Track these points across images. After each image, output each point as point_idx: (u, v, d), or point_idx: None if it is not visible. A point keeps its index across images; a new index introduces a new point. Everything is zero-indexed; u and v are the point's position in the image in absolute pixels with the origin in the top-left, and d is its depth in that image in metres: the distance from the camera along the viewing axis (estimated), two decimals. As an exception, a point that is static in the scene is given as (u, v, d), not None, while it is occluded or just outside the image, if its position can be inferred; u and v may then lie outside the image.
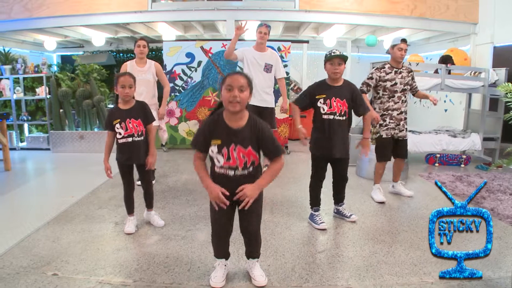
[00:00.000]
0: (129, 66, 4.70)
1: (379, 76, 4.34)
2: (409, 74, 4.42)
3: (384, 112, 4.37)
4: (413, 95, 4.64)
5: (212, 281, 2.60)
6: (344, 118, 3.46)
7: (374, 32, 9.07)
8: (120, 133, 3.29)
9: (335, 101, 3.41)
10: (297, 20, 7.75)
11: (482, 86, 6.40)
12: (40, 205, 4.33)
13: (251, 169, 2.39)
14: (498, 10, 7.09)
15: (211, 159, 2.40)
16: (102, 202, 4.32)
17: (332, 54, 3.38)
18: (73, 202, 4.32)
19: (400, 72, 4.35)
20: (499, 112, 6.67)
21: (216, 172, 2.39)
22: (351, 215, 3.82)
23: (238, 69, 6.04)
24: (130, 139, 3.32)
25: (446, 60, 6.60)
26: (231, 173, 2.35)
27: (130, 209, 3.53)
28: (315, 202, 3.71)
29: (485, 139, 6.59)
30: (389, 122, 4.36)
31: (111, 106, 10.60)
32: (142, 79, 4.67)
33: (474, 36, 7.67)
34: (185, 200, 4.41)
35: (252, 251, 2.66)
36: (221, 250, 2.65)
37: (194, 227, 3.59)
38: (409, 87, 4.45)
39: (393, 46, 4.32)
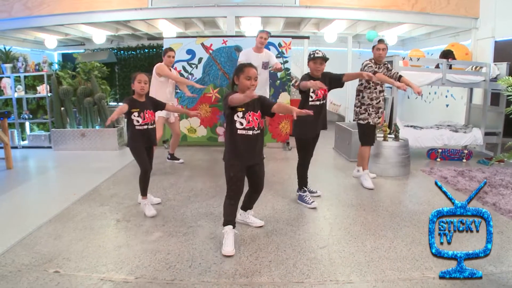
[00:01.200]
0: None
1: (374, 67, 4.72)
2: (383, 66, 4.85)
3: (370, 102, 4.82)
4: (398, 81, 4.84)
5: (224, 249, 2.99)
6: (325, 101, 4.10)
7: (375, 28, 9.04)
8: (138, 121, 3.79)
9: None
10: (297, 16, 7.74)
11: (484, 80, 6.38)
12: (42, 203, 4.35)
13: (260, 129, 3.15)
14: (499, 4, 7.05)
15: (232, 123, 3.05)
16: (103, 200, 4.32)
17: (316, 55, 3.93)
18: (75, 199, 4.33)
19: (380, 67, 4.81)
20: (500, 107, 6.65)
21: (238, 134, 3.05)
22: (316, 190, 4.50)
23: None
24: (145, 127, 3.84)
25: (447, 55, 6.58)
26: (251, 132, 3.05)
27: (146, 190, 3.93)
28: (304, 181, 4.23)
29: (486, 133, 6.57)
30: (372, 111, 4.83)
31: (113, 103, 10.68)
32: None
33: (475, 31, 7.64)
34: (187, 196, 4.41)
35: (254, 202, 3.49)
36: (233, 215, 3.15)
37: (196, 224, 3.59)
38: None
39: (373, 47, 4.80)
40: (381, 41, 4.78)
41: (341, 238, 3.32)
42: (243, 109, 3.03)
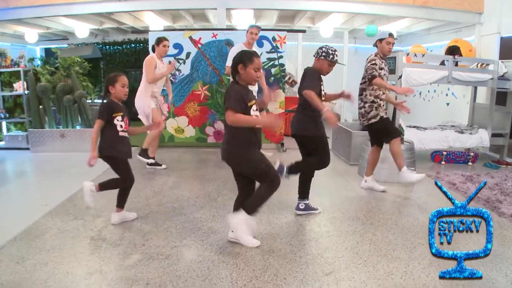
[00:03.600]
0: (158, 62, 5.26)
1: (378, 64, 4.36)
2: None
3: (375, 99, 4.41)
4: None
5: (252, 242, 3.02)
6: None
7: (373, 22, 8.63)
8: (121, 126, 3.39)
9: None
10: (293, 8, 7.32)
11: (491, 79, 6.00)
12: (9, 215, 3.88)
13: None
14: (506, -1, 6.67)
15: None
16: (78, 212, 3.83)
17: (336, 58, 3.62)
18: (46, 211, 3.84)
19: (384, 64, 4.49)
20: (507, 107, 6.29)
21: (254, 128, 2.94)
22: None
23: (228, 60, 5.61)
24: (126, 134, 3.46)
25: (453, 51, 6.18)
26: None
27: (123, 203, 3.56)
28: (308, 192, 3.82)
29: (493, 135, 6.20)
30: (379, 105, 4.43)
31: (98, 101, 10.14)
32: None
33: (479, 26, 7.25)
34: (171, 207, 3.95)
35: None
36: None
37: (181, 243, 3.12)
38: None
39: (381, 40, 4.41)
40: (391, 34, 4.42)
41: (349, 260, 2.88)
42: (254, 102, 2.97)
